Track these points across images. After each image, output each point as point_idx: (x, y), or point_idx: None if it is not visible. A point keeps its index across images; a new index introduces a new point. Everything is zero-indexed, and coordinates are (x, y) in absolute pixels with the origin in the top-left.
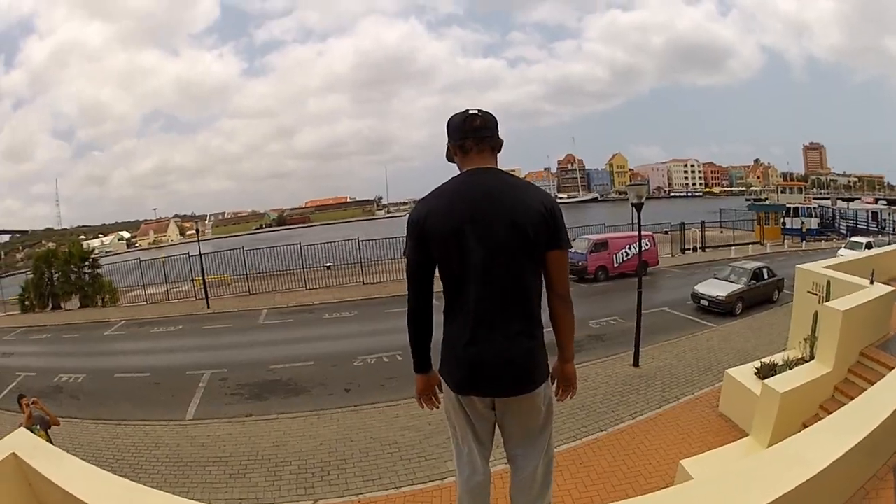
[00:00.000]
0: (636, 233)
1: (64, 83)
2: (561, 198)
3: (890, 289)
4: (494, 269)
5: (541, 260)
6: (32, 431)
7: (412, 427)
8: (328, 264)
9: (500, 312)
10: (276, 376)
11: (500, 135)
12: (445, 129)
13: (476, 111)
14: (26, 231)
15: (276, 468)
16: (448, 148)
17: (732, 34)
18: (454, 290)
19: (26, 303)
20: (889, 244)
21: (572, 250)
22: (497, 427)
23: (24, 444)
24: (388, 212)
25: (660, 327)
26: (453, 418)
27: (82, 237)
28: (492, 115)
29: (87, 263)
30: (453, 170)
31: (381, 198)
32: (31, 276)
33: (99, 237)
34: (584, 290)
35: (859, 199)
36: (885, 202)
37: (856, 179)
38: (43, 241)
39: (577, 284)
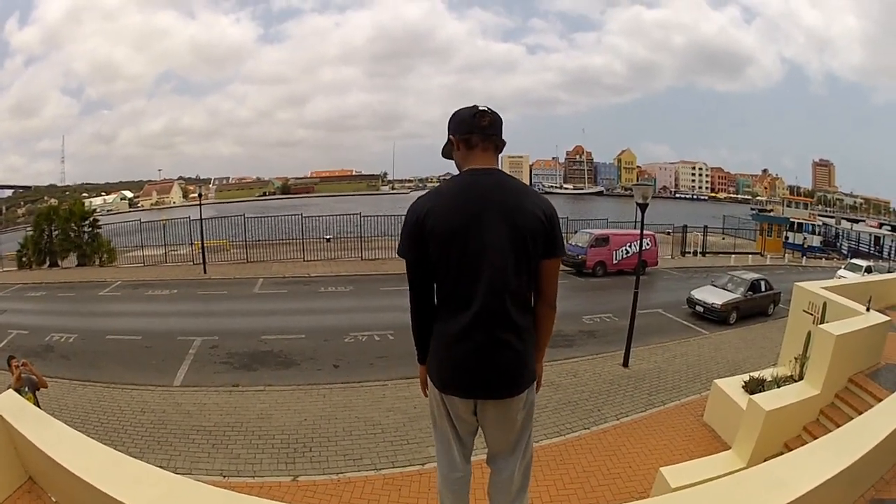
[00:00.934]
0: (638, 231)
1: (77, 41)
2: (567, 188)
3: (885, 318)
4: (490, 271)
5: (535, 267)
6: (20, 394)
7: (397, 409)
8: (328, 237)
9: (493, 315)
10: (267, 347)
11: (506, 130)
12: (448, 124)
13: (485, 108)
14: (29, 187)
15: (260, 441)
16: (448, 143)
17: (754, 42)
18: (448, 289)
19: (24, 259)
20: (889, 271)
21: (573, 243)
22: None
23: (11, 407)
24: (393, 188)
25: (653, 329)
26: (436, 414)
27: (85, 195)
28: (499, 115)
29: (87, 222)
30: None
31: (386, 173)
32: (31, 232)
33: (101, 195)
34: (580, 284)
35: (864, 221)
36: (889, 227)
37: (862, 201)
38: (45, 198)
39: (575, 278)
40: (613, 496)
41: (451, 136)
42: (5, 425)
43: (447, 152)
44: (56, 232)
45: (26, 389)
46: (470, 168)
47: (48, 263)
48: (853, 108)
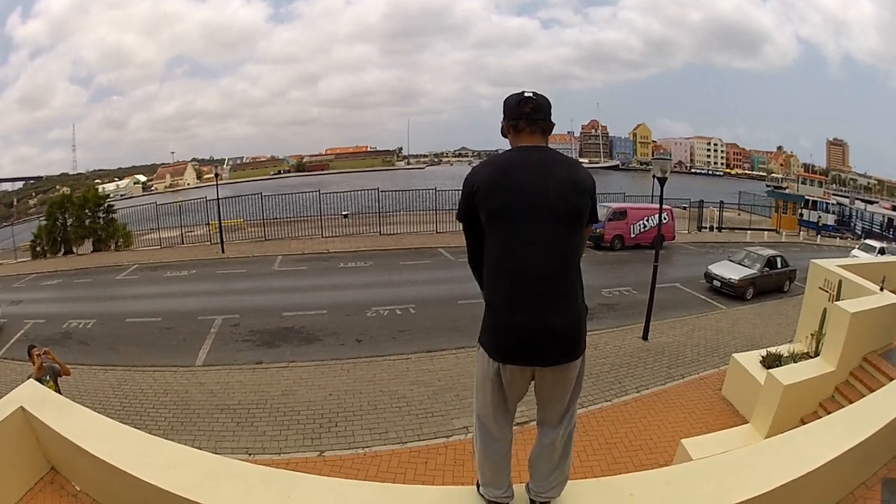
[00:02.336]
0: (655, 205)
1: (85, 30)
2: (582, 162)
3: None
4: (541, 241)
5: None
6: (42, 383)
7: (421, 382)
8: (345, 213)
9: (547, 283)
10: (288, 324)
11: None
12: (502, 108)
13: (531, 94)
14: (41, 177)
15: (284, 417)
16: (502, 126)
17: (771, 21)
18: (500, 259)
19: (38, 249)
20: None
21: None
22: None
23: (32, 396)
24: (408, 163)
25: (671, 303)
26: (481, 387)
27: (97, 181)
28: (545, 98)
29: (101, 208)
30: (482, 125)
31: (401, 149)
32: (45, 221)
33: (115, 181)
34: (599, 258)
35: (878, 202)
36: None
37: (875, 182)
38: (57, 186)
39: (593, 251)
40: (636, 468)
41: (502, 121)
42: (26, 416)
43: (504, 133)
44: (70, 219)
45: (48, 378)
46: (520, 146)
47: (63, 251)
48: (869, 91)
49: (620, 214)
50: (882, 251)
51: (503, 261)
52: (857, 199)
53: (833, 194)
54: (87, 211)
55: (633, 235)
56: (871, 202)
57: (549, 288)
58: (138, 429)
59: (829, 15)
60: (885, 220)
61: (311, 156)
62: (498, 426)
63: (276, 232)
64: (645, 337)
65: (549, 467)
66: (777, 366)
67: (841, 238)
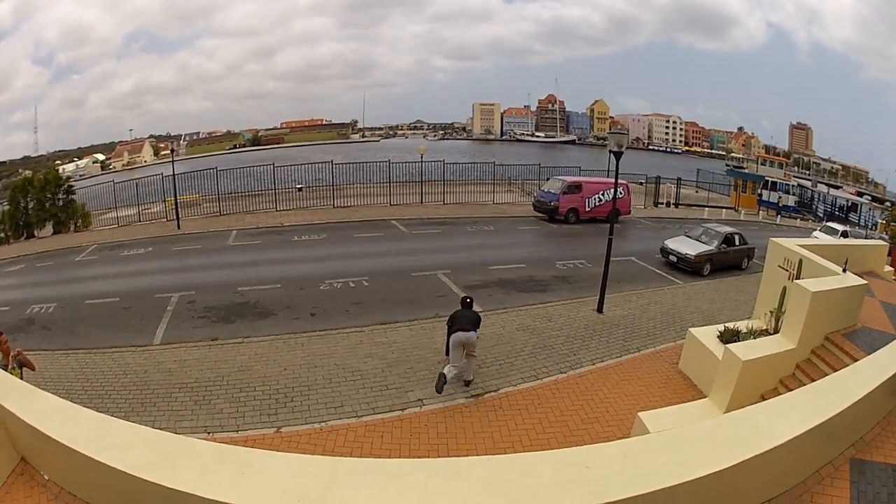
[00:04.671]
0: (611, 179)
1: (48, 8)
2: (538, 136)
3: (862, 281)
4: (463, 322)
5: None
6: (10, 372)
7: (375, 355)
8: (299, 186)
9: (466, 328)
10: (243, 299)
11: (478, 79)
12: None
13: (467, 297)
14: (3, 162)
15: (241, 394)
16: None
17: (740, 4)
18: (454, 323)
19: (1, 235)
20: (865, 238)
21: (545, 189)
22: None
23: None
24: (363, 136)
25: (626, 276)
26: (451, 346)
27: (58, 162)
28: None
29: (61, 189)
30: (437, 98)
31: (356, 122)
32: (8, 207)
33: (74, 161)
34: (553, 231)
35: (842, 187)
36: (869, 197)
37: (840, 168)
38: (20, 170)
39: (547, 224)
40: (592, 440)
41: None
42: None
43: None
44: (31, 203)
45: (15, 366)
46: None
47: (25, 235)
48: (839, 80)
49: (575, 188)
50: (845, 234)
51: (454, 323)
52: (819, 182)
53: (794, 177)
54: (47, 193)
55: (588, 209)
56: (836, 186)
57: (467, 327)
58: (101, 412)
59: (803, 4)
60: (849, 205)
61: (267, 130)
62: (453, 361)
63: (232, 206)
64: (600, 309)
65: (469, 368)
66: (735, 341)
67: (802, 219)
